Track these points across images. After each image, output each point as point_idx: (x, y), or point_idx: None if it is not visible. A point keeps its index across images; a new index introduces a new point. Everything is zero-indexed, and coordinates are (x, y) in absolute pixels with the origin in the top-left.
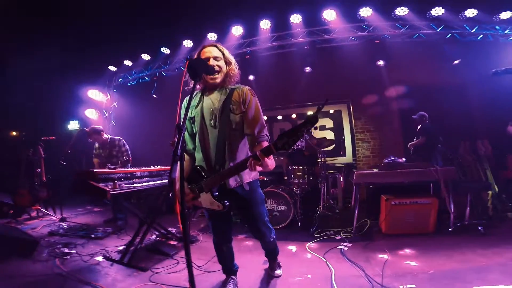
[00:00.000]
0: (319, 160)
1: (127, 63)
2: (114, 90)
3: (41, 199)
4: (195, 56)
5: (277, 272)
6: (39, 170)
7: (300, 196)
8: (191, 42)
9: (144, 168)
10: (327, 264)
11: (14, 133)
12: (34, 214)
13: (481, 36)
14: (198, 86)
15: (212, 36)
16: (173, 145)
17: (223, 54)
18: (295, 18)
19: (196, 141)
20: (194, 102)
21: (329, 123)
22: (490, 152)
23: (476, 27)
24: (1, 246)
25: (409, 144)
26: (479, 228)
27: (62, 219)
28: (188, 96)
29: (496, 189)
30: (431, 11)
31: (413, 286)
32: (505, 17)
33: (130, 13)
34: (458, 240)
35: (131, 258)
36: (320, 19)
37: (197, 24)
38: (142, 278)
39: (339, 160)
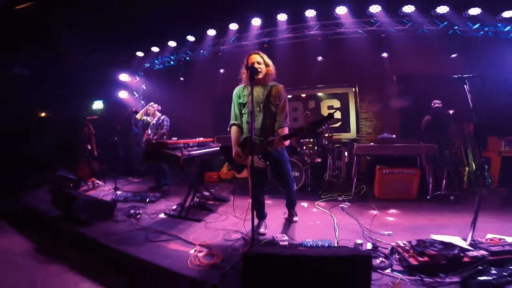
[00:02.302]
0: (327, 134)
1: (155, 49)
2: (142, 74)
3: (95, 171)
4: (245, 61)
5: (295, 218)
6: (88, 146)
7: (310, 165)
8: (214, 31)
9: (194, 140)
10: (331, 215)
11: (43, 114)
12: (90, 185)
13: (482, 32)
14: (244, 80)
15: (233, 26)
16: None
17: (263, 59)
18: (310, 13)
19: (243, 119)
20: (245, 92)
21: (336, 103)
22: (473, 133)
23: (478, 24)
24: (92, 209)
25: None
26: (451, 198)
27: (116, 189)
28: (239, 87)
29: (474, 166)
30: (436, 9)
31: (391, 232)
32: (508, 16)
33: (158, 5)
34: (433, 206)
35: (187, 213)
36: (332, 14)
37: (220, 15)
38: (199, 226)
39: (345, 136)
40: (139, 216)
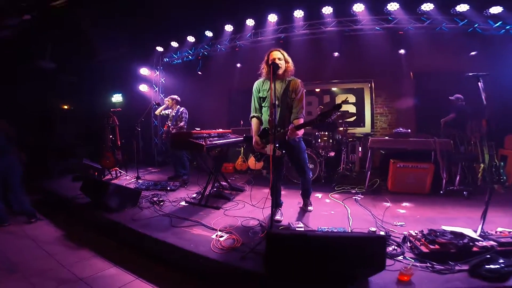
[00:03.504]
0: (341, 128)
1: (174, 44)
2: (161, 68)
3: (118, 161)
4: (265, 57)
5: (310, 208)
6: (112, 137)
7: (324, 158)
8: (231, 26)
9: (214, 130)
10: (345, 206)
11: (69, 107)
12: (113, 174)
13: (503, 31)
14: (264, 75)
15: (250, 22)
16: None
17: (284, 56)
18: (327, 10)
19: (263, 111)
20: (265, 87)
21: (352, 98)
22: (486, 129)
23: (500, 22)
24: (121, 197)
25: (441, 120)
26: (464, 193)
27: (138, 178)
28: (258, 82)
29: (489, 163)
30: (456, 7)
31: (403, 223)
32: None
33: (178, 1)
34: (445, 200)
35: (206, 201)
36: (349, 11)
37: (237, 11)
38: (219, 214)
39: (359, 130)
40: (162, 203)
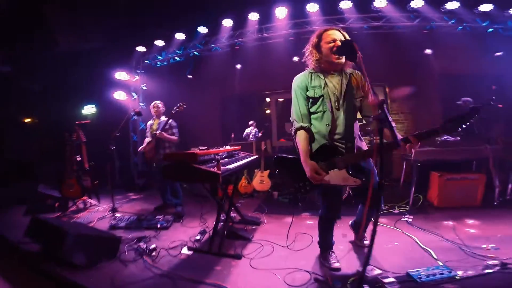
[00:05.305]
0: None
1: (159, 43)
2: (142, 71)
3: (87, 188)
4: (314, 39)
5: (366, 242)
6: (78, 157)
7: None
8: (231, 21)
9: (222, 149)
10: (405, 233)
11: (28, 120)
12: (80, 206)
13: None
14: (312, 65)
15: (253, 16)
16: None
17: (345, 39)
18: (345, 4)
19: (313, 119)
20: (315, 82)
21: None
22: None
23: None
24: (90, 247)
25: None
26: None
27: (114, 210)
28: (303, 76)
29: None
30: (479, 7)
31: (494, 245)
32: None
33: None
34: (505, 212)
35: (220, 247)
36: (370, 6)
37: (238, 2)
38: (243, 267)
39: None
40: (154, 252)
